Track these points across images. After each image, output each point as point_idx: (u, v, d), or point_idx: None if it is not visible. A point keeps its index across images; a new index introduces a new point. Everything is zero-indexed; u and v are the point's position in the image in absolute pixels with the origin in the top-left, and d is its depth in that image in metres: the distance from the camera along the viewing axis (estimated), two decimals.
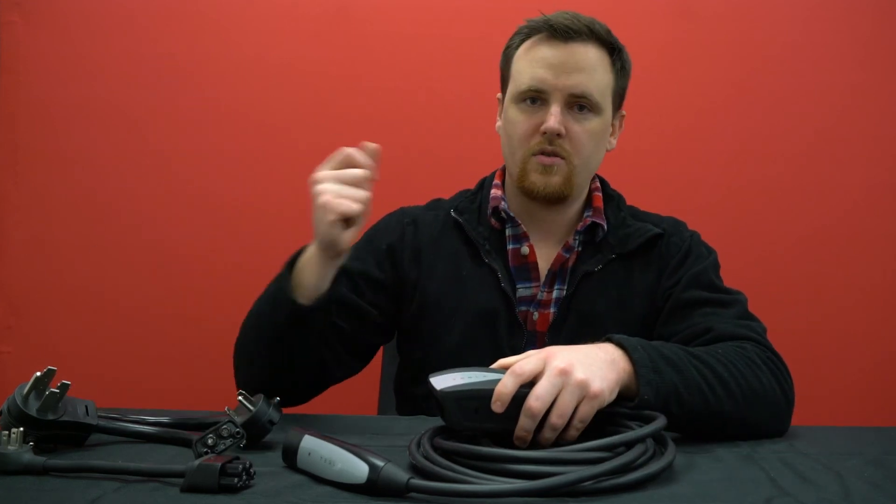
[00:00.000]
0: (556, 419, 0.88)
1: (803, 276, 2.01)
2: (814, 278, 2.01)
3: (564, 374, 0.89)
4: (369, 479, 0.78)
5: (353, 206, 1.06)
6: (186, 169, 2.06)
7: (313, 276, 1.13)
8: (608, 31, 1.31)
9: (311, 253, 1.14)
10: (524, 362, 0.91)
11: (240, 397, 0.98)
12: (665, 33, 2.03)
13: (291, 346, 1.15)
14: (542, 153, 1.28)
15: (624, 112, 1.39)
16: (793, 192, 2.02)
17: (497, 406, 0.88)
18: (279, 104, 2.06)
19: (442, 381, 0.91)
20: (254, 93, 2.06)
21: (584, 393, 0.89)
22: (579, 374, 0.89)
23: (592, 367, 0.92)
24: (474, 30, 2.01)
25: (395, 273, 1.36)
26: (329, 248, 1.10)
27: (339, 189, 1.06)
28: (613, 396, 0.94)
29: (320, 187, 1.07)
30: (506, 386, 0.88)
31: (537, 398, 0.87)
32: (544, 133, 1.27)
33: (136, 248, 2.05)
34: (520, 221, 1.35)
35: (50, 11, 2.06)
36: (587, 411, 0.89)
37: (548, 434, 0.89)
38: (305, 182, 2.03)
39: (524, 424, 0.88)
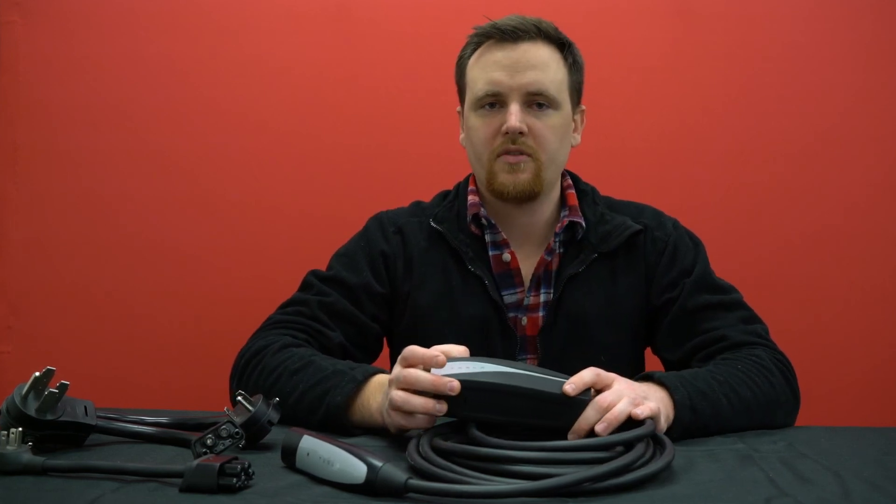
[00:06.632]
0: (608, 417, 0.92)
1: (803, 277, 2.01)
2: (814, 278, 2.01)
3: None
4: (368, 480, 0.78)
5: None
6: (186, 169, 2.06)
7: (372, 418, 1.07)
8: (556, 29, 1.32)
9: (380, 403, 1.06)
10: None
11: (239, 398, 0.98)
12: (665, 33, 2.02)
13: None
14: (507, 153, 1.29)
15: (584, 107, 1.39)
16: (792, 192, 2.02)
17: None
18: (279, 104, 2.05)
19: (448, 369, 0.93)
20: (253, 93, 2.05)
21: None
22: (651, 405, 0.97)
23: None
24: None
25: (391, 284, 1.36)
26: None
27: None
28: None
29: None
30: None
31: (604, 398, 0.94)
32: (506, 133, 1.27)
33: (136, 248, 2.05)
34: (499, 228, 1.34)
35: (49, 11, 2.06)
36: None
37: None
38: (305, 182, 2.05)
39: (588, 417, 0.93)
